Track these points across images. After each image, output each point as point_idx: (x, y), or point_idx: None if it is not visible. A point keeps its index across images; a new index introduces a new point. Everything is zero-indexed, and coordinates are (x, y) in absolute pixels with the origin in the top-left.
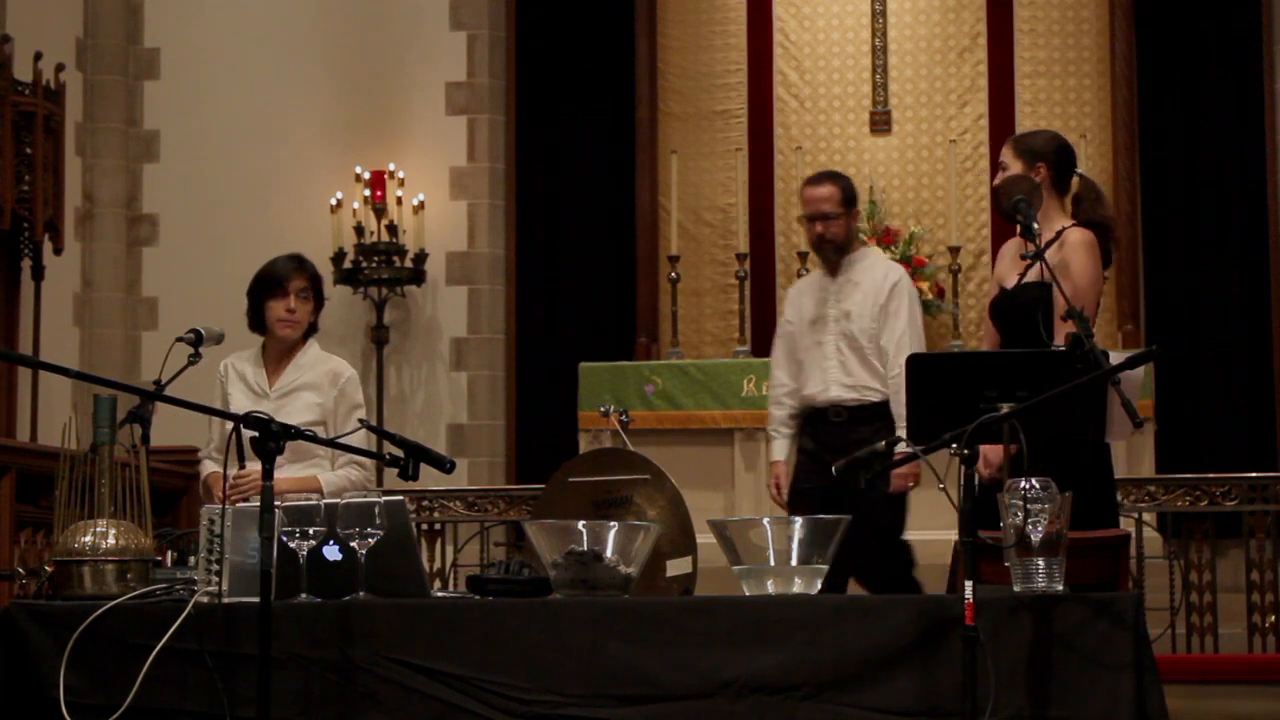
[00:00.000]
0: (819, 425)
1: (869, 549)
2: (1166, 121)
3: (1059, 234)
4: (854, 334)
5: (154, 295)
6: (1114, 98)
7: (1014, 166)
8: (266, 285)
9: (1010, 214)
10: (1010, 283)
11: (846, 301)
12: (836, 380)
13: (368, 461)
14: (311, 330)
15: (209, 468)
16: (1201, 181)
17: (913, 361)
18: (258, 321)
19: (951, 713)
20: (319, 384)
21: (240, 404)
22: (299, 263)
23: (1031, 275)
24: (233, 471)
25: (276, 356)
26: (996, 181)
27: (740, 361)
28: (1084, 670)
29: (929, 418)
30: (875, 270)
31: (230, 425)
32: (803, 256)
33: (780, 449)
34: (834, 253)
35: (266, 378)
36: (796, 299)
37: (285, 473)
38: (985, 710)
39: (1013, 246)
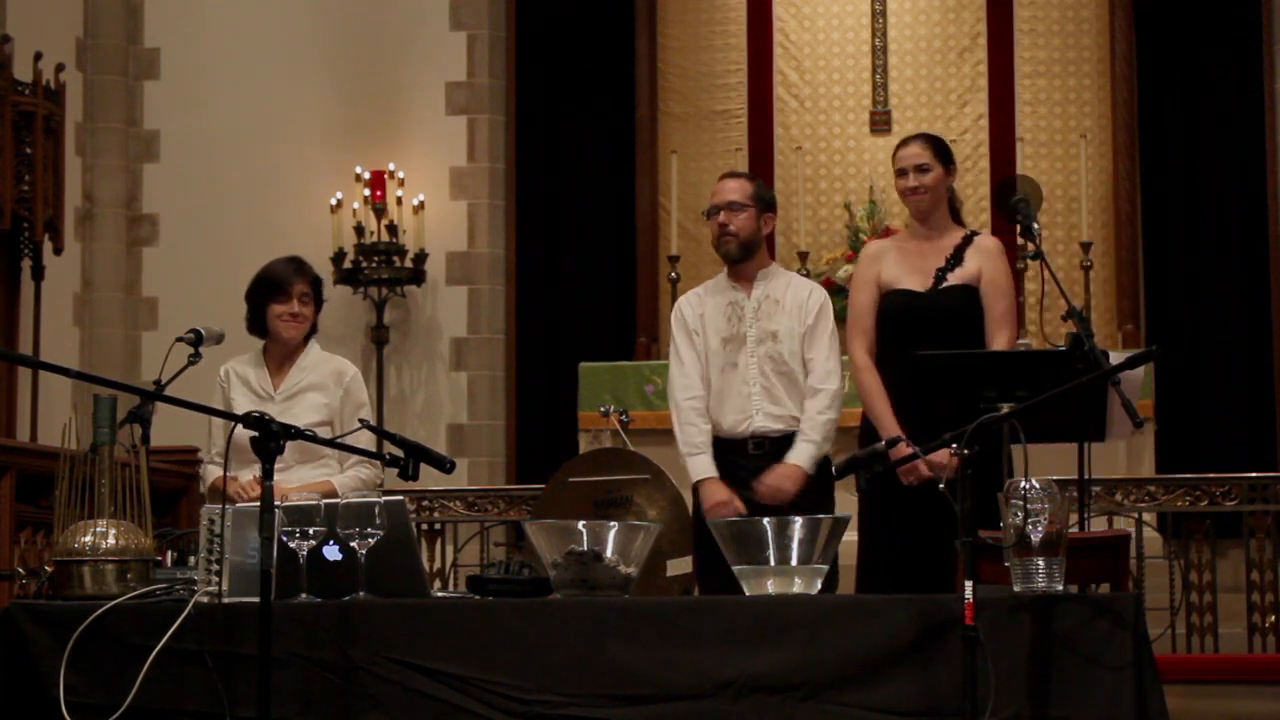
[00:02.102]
0: (729, 457)
1: None
2: (1166, 121)
3: (970, 238)
4: (782, 356)
5: (154, 295)
6: (1114, 98)
7: (936, 168)
8: (268, 289)
9: (1010, 214)
10: (912, 284)
11: (770, 321)
12: (761, 409)
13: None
14: (312, 331)
15: (213, 472)
16: (1201, 181)
17: (913, 361)
18: (258, 324)
19: (951, 713)
20: (324, 384)
21: (245, 408)
22: (299, 266)
23: (954, 279)
24: (244, 475)
25: (279, 359)
26: (916, 183)
27: None
28: (1084, 670)
29: (929, 418)
30: (796, 288)
31: (233, 428)
32: (803, 256)
33: (708, 464)
34: (737, 250)
35: (270, 380)
36: (692, 310)
37: (295, 474)
38: (985, 710)
39: (889, 248)
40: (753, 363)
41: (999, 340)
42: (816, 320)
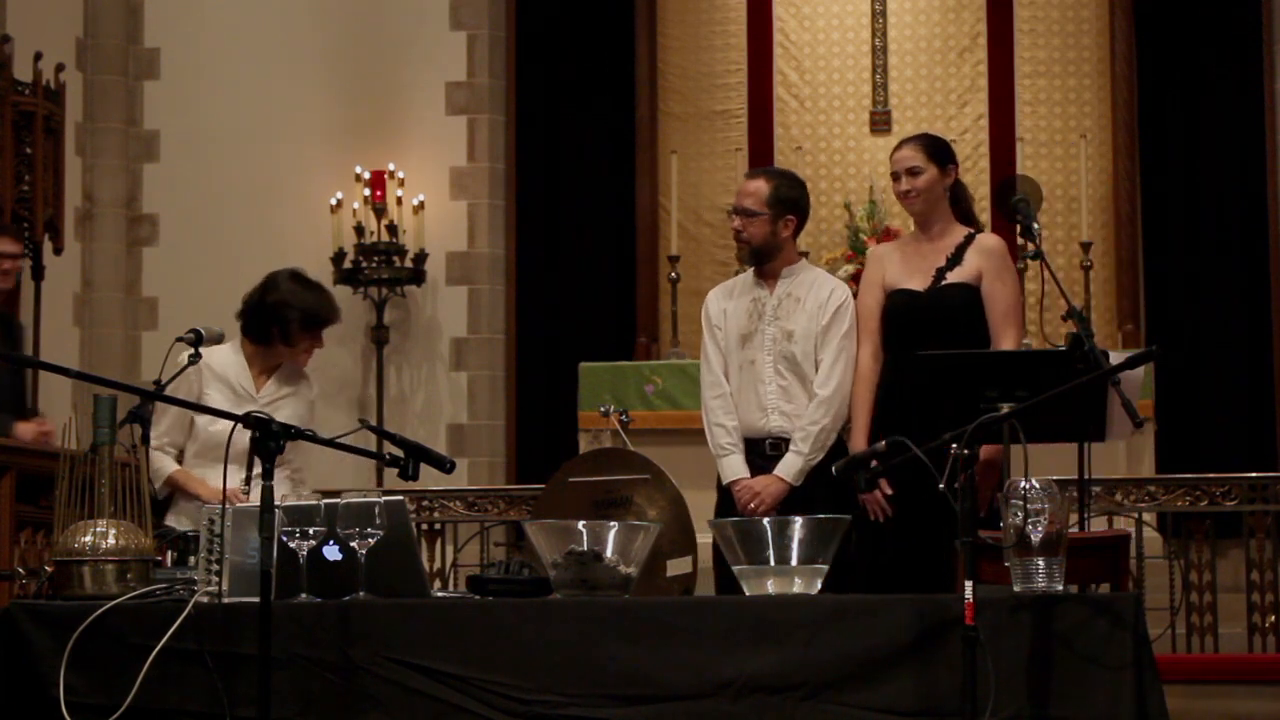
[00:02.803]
0: (748, 456)
1: None
2: (1166, 121)
3: (971, 237)
4: (796, 357)
5: (154, 295)
6: (1114, 98)
7: (929, 169)
8: (310, 321)
9: (1010, 214)
10: (912, 284)
11: (788, 320)
12: (777, 408)
13: (306, 472)
14: None
15: (165, 463)
16: (1201, 181)
17: (913, 361)
18: (270, 335)
19: (951, 713)
20: (299, 392)
21: (221, 405)
22: (335, 306)
23: (953, 277)
24: (220, 480)
25: (264, 363)
26: (908, 187)
27: None
28: (1084, 670)
29: (929, 418)
30: (820, 287)
31: (215, 423)
32: (803, 256)
33: (739, 465)
34: (749, 257)
35: (252, 380)
36: (717, 305)
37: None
38: (985, 710)
39: (893, 249)
40: (768, 361)
41: (1005, 341)
42: (831, 320)
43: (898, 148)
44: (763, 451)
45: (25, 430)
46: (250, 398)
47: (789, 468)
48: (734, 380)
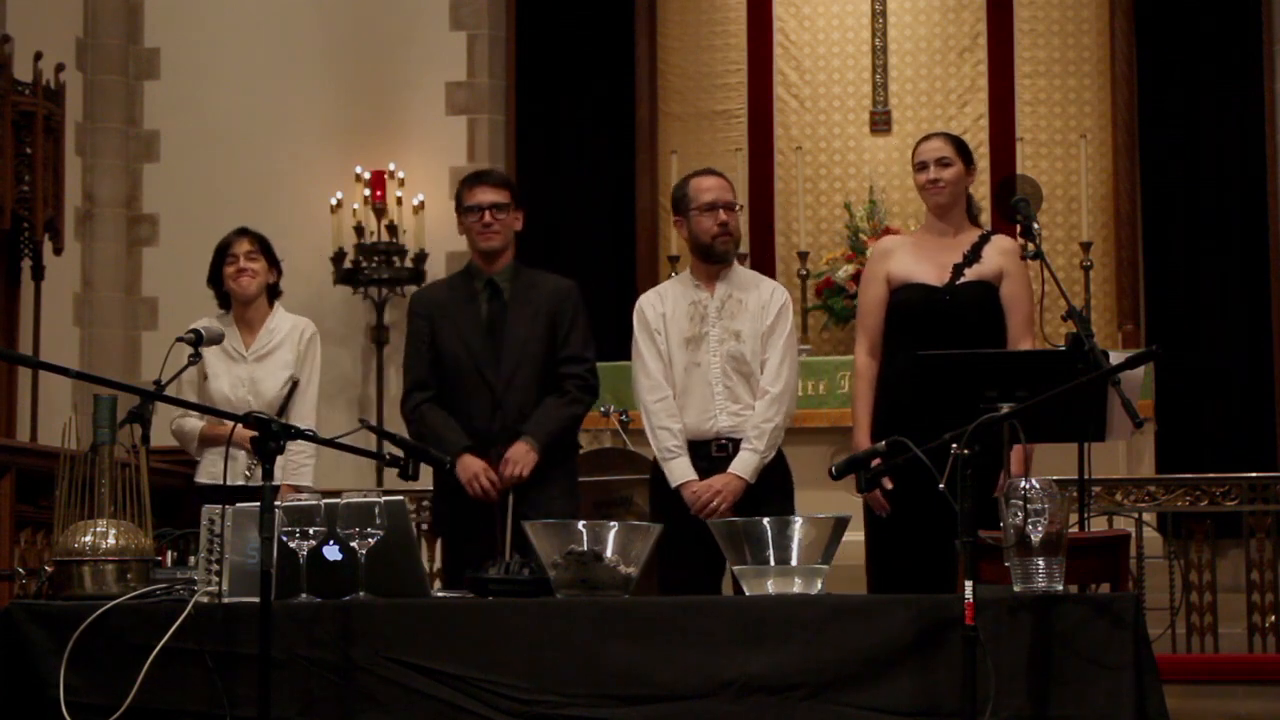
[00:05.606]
0: (697, 461)
1: None
2: (1166, 121)
3: (987, 237)
4: (744, 356)
5: (154, 295)
6: (1114, 98)
7: (957, 164)
8: (217, 257)
9: (1010, 214)
10: (927, 278)
11: (733, 321)
12: (724, 409)
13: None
14: (275, 294)
15: (191, 423)
16: (1201, 182)
17: (914, 361)
18: (221, 294)
19: (951, 713)
20: (288, 341)
21: (218, 368)
22: (241, 229)
23: (971, 274)
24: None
25: (247, 320)
26: (936, 176)
27: None
28: (1084, 670)
29: (930, 418)
30: (761, 288)
31: (217, 379)
32: (803, 256)
33: (686, 467)
34: (734, 250)
35: (241, 340)
36: (654, 310)
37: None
38: (985, 710)
39: (902, 243)
40: (715, 362)
41: (1025, 344)
42: (775, 321)
43: (926, 139)
44: (709, 453)
45: (466, 468)
46: (241, 357)
47: (745, 465)
48: (679, 383)
